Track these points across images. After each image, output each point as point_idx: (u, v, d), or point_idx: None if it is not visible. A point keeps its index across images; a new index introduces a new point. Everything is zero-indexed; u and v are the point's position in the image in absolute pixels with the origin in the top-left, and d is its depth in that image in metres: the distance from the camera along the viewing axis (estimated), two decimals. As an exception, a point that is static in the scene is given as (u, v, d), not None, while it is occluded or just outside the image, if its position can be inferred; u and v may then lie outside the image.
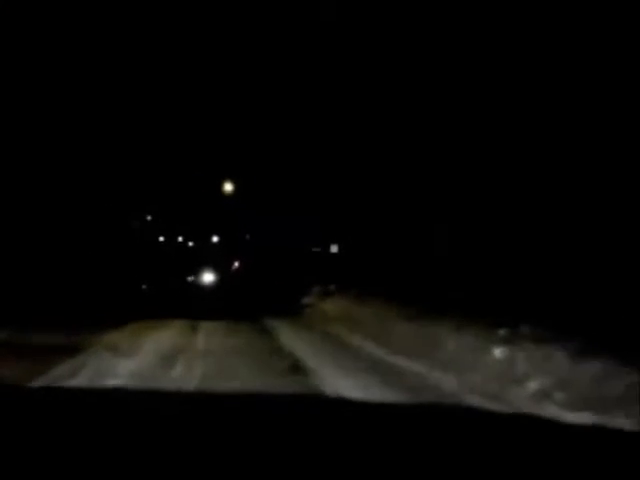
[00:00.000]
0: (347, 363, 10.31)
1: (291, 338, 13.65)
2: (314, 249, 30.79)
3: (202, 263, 42.18)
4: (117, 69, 25.34)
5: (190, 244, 68.94)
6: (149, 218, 54.74)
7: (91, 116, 25.86)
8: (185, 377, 8.91)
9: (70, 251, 24.13)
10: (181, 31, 25.97)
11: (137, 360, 10.43)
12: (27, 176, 22.24)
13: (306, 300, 20.45)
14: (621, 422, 5.47)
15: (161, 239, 62.08)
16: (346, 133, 21.53)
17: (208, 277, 40.49)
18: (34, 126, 21.94)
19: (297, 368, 9.80)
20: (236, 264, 48.76)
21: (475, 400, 7.39)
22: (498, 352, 8.46)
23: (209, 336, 13.83)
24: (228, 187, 36.57)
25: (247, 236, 49.53)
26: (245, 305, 21.99)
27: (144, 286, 27.59)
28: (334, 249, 23.26)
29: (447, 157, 16.58)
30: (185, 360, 10.50)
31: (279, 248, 32.42)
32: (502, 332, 8.95)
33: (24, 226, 21.55)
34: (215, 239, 62.13)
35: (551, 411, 6.46)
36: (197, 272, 39.06)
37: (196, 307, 20.53)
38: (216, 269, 41.61)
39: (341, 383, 8.43)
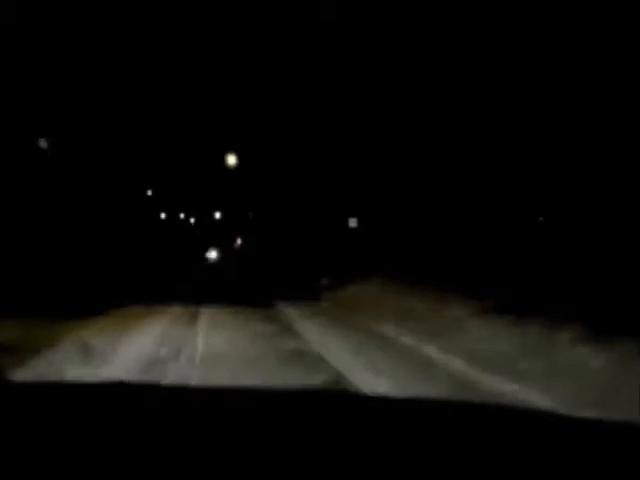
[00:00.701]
0: (420, 386, 6.64)
1: (319, 335, 10.30)
2: (329, 225, 27.51)
3: (204, 240, 40.25)
4: (118, 41, 24.93)
5: (192, 221, 66.93)
6: (149, 193, 51.27)
7: (91, 86, 25.07)
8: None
9: (62, 228, 22.18)
10: (184, 12, 26.01)
11: (109, 371, 7.10)
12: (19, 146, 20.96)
13: (323, 282, 17.31)
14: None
15: (162, 216, 60.30)
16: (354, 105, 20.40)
17: (211, 255, 38.24)
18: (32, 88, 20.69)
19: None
20: (239, 241, 46.58)
21: None
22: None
23: (212, 330, 10.47)
24: (232, 160, 32.88)
25: (250, 213, 47.67)
26: (253, 288, 18.75)
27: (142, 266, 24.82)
28: (353, 223, 19.60)
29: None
30: (176, 373, 7.15)
31: (289, 224, 28.91)
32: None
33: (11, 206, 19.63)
34: (217, 216, 59.81)
35: None
36: (199, 250, 37.42)
37: (197, 288, 18.66)
38: (219, 247, 39.53)
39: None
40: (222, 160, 34.24)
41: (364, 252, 18.00)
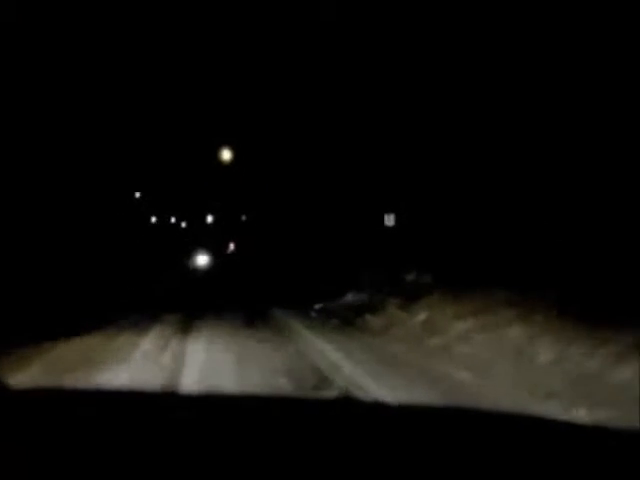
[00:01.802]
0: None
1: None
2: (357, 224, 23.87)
3: (196, 245, 38.36)
4: (107, 37, 24.32)
5: (183, 225, 63.97)
6: (138, 195, 47.81)
7: (76, 79, 24.01)
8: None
9: (36, 233, 20.03)
10: (181, 7, 25.52)
11: None
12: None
13: (356, 298, 12.96)
14: None
15: (153, 220, 57.50)
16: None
17: (201, 260, 36.34)
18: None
19: None
20: (232, 246, 43.77)
21: None
22: None
23: (207, 366, 7.12)
24: (226, 155, 29.50)
25: (243, 217, 44.92)
26: (257, 302, 15.24)
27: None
28: (389, 221, 15.69)
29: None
30: None
31: (302, 225, 25.31)
32: None
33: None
34: (210, 219, 57.02)
35: None
36: (190, 255, 35.06)
37: (187, 299, 16.37)
38: (210, 252, 37.37)
39: None
40: (215, 157, 30.96)
41: (406, 256, 14.00)
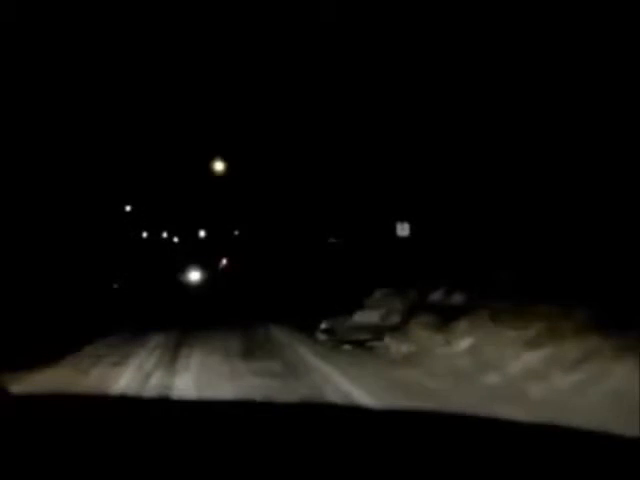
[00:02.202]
0: None
1: None
2: (330, 240, 22.40)
3: (188, 261, 37.35)
4: (98, 45, 23.79)
5: (175, 240, 62.57)
6: (128, 209, 45.96)
7: (69, 85, 23.69)
8: None
9: (29, 250, 19.49)
10: (174, 14, 24.68)
11: None
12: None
13: (366, 318, 10.94)
14: None
15: (144, 235, 56.05)
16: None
17: (193, 276, 35.15)
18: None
19: None
20: (224, 262, 42.39)
21: None
22: None
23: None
24: (219, 166, 27.76)
25: (235, 231, 43.65)
26: (255, 321, 13.42)
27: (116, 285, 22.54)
28: (403, 231, 13.65)
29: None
30: None
31: (294, 238, 23.57)
32: None
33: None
34: (202, 234, 55.64)
35: None
36: (183, 271, 33.95)
37: (178, 318, 14.59)
38: (203, 267, 36.26)
39: None
40: (207, 169, 29.20)
41: (426, 270, 11.86)
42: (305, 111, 22.61)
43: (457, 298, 8.95)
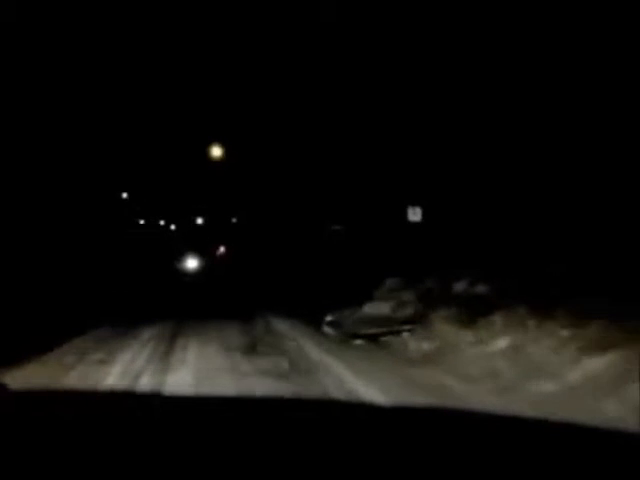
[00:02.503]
0: None
1: None
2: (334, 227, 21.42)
3: (185, 248, 36.81)
4: (94, 36, 23.66)
5: (172, 227, 61.97)
6: (125, 196, 44.87)
7: (63, 78, 23.42)
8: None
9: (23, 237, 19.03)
10: (172, 6, 24.77)
11: None
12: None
13: (377, 309, 9.84)
14: None
15: (141, 222, 55.39)
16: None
17: (189, 264, 34.49)
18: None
19: None
20: (222, 249, 41.73)
21: None
22: None
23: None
24: (217, 152, 26.63)
25: (233, 219, 42.81)
26: (255, 311, 12.41)
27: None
28: (415, 215, 12.45)
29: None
30: None
31: (295, 222, 22.54)
32: None
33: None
34: (199, 221, 54.88)
35: None
36: (179, 259, 33.35)
37: (175, 305, 14.01)
38: (200, 255, 35.56)
39: None
40: (205, 155, 28.07)
41: (442, 258, 10.67)
42: (305, 97, 22.06)
43: (482, 289, 7.93)
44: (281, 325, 10.57)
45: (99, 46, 24.37)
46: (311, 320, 10.92)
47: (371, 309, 10.43)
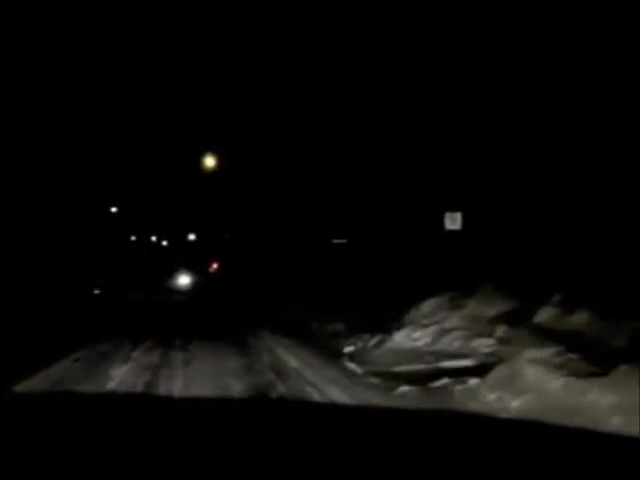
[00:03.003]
0: None
1: None
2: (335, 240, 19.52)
3: (177, 264, 35.84)
4: (91, 44, 24.15)
5: (164, 243, 60.80)
6: (114, 210, 42.76)
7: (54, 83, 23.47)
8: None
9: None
10: (169, 13, 24.89)
11: None
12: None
13: (411, 340, 7.78)
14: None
15: (133, 238, 53.92)
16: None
17: (182, 280, 33.26)
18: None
19: None
20: (215, 265, 40.71)
21: None
22: None
23: None
24: (210, 162, 24.57)
25: (226, 235, 41.28)
26: (255, 335, 10.21)
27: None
28: (454, 223, 10.18)
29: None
30: None
31: (297, 236, 20.45)
32: None
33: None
34: (192, 237, 53.49)
35: None
36: (171, 276, 31.31)
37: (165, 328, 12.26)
38: (193, 271, 34.39)
39: None
40: (198, 167, 26.01)
41: (502, 274, 8.42)
42: (305, 98, 20.95)
43: (585, 318, 5.71)
44: (291, 359, 8.35)
45: (92, 57, 24.34)
46: (325, 350, 8.81)
47: (404, 338, 8.26)
